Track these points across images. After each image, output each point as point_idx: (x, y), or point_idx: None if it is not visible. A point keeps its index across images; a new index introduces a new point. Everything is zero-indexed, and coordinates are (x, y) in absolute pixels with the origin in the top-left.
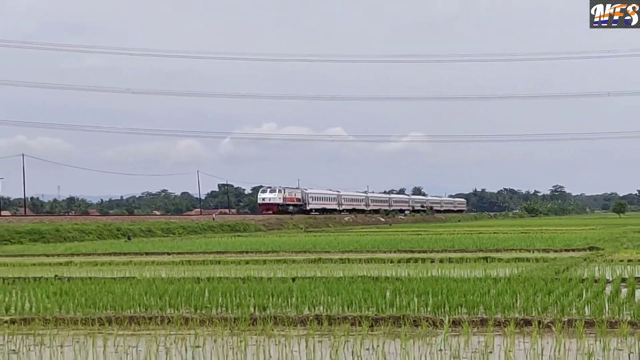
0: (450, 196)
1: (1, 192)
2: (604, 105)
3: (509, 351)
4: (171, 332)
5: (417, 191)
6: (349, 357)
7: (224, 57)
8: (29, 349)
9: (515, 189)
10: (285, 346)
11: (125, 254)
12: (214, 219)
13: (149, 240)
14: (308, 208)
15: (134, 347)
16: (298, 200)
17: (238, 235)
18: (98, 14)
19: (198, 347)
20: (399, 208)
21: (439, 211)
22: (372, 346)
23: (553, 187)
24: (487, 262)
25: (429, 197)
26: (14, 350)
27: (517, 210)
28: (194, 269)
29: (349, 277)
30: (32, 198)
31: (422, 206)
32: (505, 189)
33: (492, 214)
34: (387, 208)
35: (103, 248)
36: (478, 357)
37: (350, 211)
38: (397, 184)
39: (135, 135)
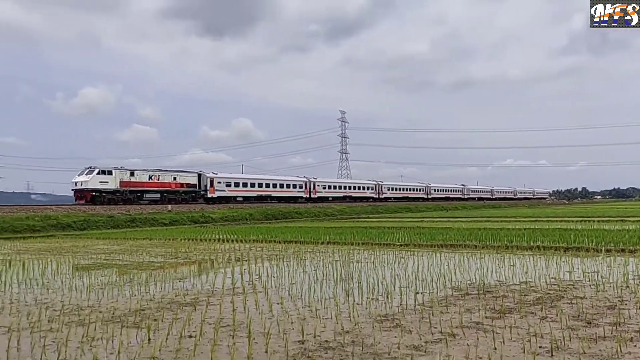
0: None
1: None
2: None
3: (637, 265)
4: (467, 251)
5: None
6: (553, 265)
7: None
8: (407, 257)
9: None
10: (521, 257)
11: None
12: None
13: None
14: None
15: (452, 258)
16: None
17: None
18: None
19: (482, 258)
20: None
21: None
22: (566, 260)
23: None
24: (622, 222)
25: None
26: (402, 257)
27: None
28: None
29: (552, 229)
30: None
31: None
32: None
33: None
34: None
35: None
36: (622, 266)
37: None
38: None
39: None
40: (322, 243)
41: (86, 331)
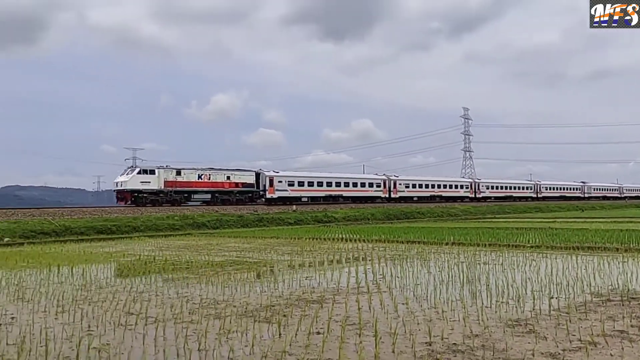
0: None
1: None
2: None
3: None
4: (608, 254)
5: None
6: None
7: None
8: (538, 259)
9: None
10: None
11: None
12: None
13: None
14: None
15: (590, 261)
16: None
17: None
18: None
19: (625, 262)
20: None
21: None
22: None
23: None
24: None
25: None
26: (533, 259)
27: None
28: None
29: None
30: None
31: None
32: None
33: None
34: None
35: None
36: None
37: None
38: None
39: None
40: (447, 244)
41: (222, 324)
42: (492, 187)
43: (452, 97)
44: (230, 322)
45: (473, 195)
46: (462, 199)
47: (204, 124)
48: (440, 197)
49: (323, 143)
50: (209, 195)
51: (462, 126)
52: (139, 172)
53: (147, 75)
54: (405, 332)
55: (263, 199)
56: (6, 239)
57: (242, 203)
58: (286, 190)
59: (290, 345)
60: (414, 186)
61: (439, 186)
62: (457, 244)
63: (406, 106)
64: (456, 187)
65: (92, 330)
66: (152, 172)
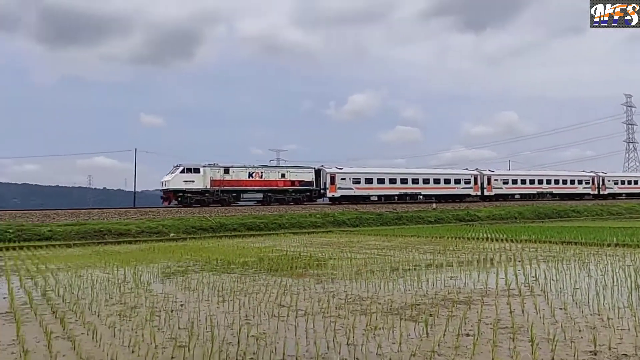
0: None
1: None
2: None
3: None
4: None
5: None
6: None
7: None
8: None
9: None
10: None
11: None
12: None
13: None
14: None
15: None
16: None
17: None
18: None
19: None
20: None
21: None
22: None
23: None
24: None
25: None
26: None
27: None
28: None
29: None
30: None
31: None
32: None
33: None
34: None
35: None
36: None
37: None
38: None
39: None
40: (609, 245)
41: (369, 320)
42: (624, 182)
43: (611, 83)
44: (377, 319)
45: (596, 192)
46: (580, 196)
47: (342, 124)
48: (551, 194)
49: (463, 138)
50: (260, 195)
51: (623, 115)
52: (182, 171)
53: (290, 80)
54: (565, 339)
55: (324, 198)
56: (172, 234)
57: (299, 203)
58: (350, 189)
59: (438, 345)
60: (514, 182)
61: (548, 182)
62: (621, 245)
63: (555, 96)
64: (572, 182)
65: (250, 320)
66: (197, 170)
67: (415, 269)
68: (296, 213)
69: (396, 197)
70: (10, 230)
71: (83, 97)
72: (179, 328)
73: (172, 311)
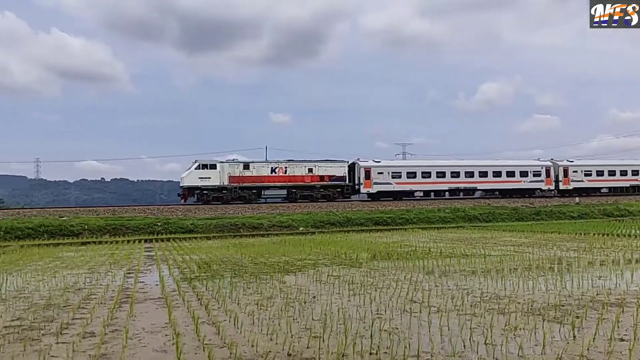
0: None
1: None
2: None
3: None
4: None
5: None
6: None
7: None
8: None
9: None
10: None
11: None
12: None
13: None
14: None
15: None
16: None
17: None
18: None
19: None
20: None
21: None
22: None
23: None
24: None
25: None
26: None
27: None
28: None
29: None
30: None
31: None
32: None
33: None
34: None
35: None
36: None
37: None
38: None
39: None
40: None
41: (507, 320)
42: None
43: None
44: (516, 319)
45: None
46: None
47: (472, 115)
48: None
49: (610, 126)
50: (284, 192)
51: None
52: (198, 167)
53: (415, 71)
54: None
55: (359, 195)
56: (301, 228)
57: (330, 200)
58: (389, 184)
59: (588, 349)
60: (599, 174)
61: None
62: None
63: None
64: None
65: (381, 314)
66: (213, 166)
67: (557, 267)
68: (423, 208)
69: (447, 193)
70: (159, 224)
71: (217, 98)
72: (312, 319)
73: (305, 302)
